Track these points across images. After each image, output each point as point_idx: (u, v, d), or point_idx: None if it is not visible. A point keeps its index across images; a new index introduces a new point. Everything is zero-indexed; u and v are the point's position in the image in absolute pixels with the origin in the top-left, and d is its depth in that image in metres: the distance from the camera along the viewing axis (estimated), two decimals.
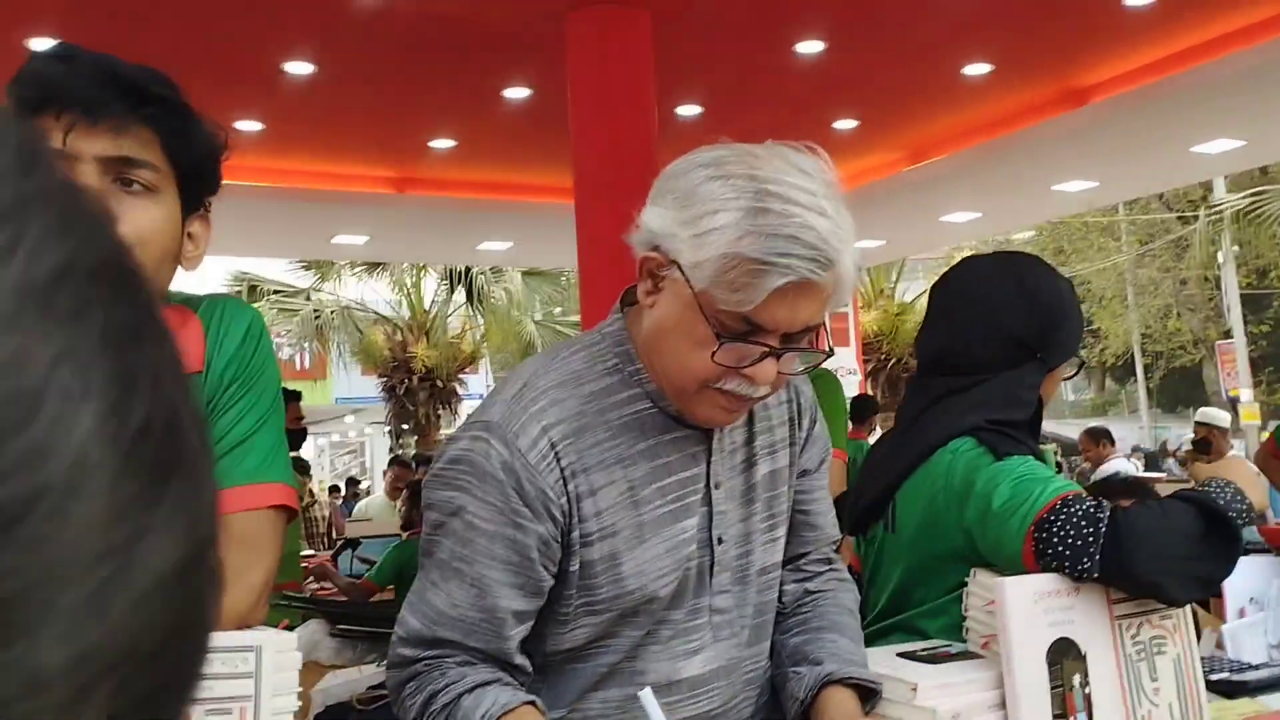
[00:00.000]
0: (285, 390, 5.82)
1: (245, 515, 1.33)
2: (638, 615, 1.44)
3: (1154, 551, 1.65)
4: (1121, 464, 9.68)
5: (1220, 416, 8.97)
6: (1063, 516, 1.68)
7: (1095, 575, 1.66)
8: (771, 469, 1.58)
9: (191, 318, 1.40)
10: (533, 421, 1.40)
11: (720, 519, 1.51)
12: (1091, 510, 1.68)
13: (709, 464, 1.50)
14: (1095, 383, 34.54)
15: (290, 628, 1.30)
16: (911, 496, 1.99)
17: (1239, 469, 1.89)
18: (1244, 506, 1.75)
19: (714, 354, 1.33)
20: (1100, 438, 10.06)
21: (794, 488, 1.64)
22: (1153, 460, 19.59)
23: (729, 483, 1.53)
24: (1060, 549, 1.67)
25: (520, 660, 1.41)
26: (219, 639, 1.17)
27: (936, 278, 2.26)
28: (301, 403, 6.19)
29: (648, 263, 1.39)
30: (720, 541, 1.51)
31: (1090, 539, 1.66)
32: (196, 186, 1.37)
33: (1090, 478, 9.71)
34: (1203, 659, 2.04)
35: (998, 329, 2.00)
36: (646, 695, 1.21)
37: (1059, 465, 7.19)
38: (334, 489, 16.89)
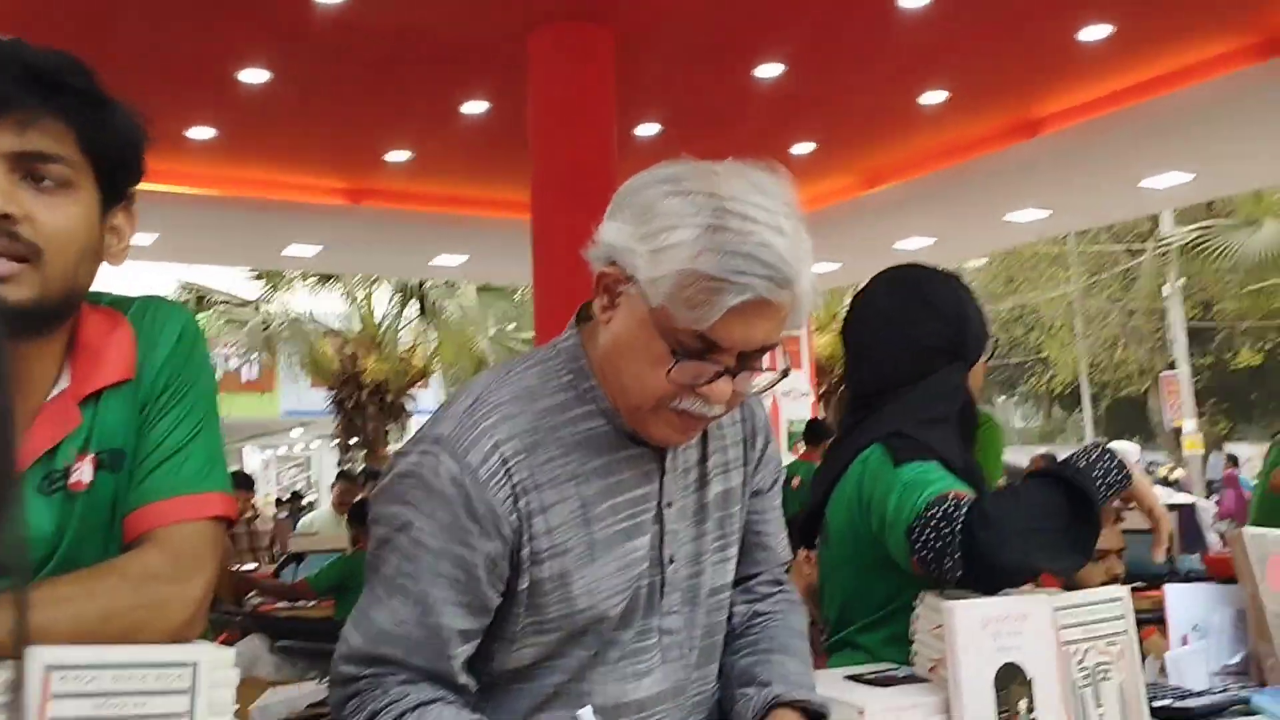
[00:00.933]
0: None
1: (181, 527, 1.28)
2: (586, 635, 1.42)
3: (1013, 537, 1.68)
4: None
5: (1130, 451, 9.17)
6: (926, 520, 1.72)
7: (960, 574, 1.69)
8: (724, 488, 1.57)
9: (122, 322, 1.33)
10: (484, 436, 1.37)
11: (671, 538, 1.49)
12: (950, 510, 1.70)
13: (662, 482, 1.48)
14: (1043, 411, 34.98)
15: (229, 642, 1.26)
16: (836, 509, 2.06)
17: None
18: (1111, 465, 1.78)
19: (669, 372, 1.32)
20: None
21: (746, 508, 1.62)
22: None
23: (681, 502, 1.51)
24: (927, 554, 1.71)
25: (464, 680, 1.39)
26: (154, 653, 1.13)
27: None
28: (247, 415, 6.08)
29: (604, 278, 1.37)
30: (671, 561, 1.49)
31: (949, 538, 1.68)
32: (117, 178, 1.28)
33: None
34: (1147, 686, 2.05)
35: (911, 343, 2.10)
36: (586, 714, 1.18)
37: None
38: (279, 502, 16.69)
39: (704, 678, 1.56)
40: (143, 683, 1.10)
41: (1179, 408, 23.24)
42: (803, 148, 8.44)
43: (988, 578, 1.73)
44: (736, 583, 1.63)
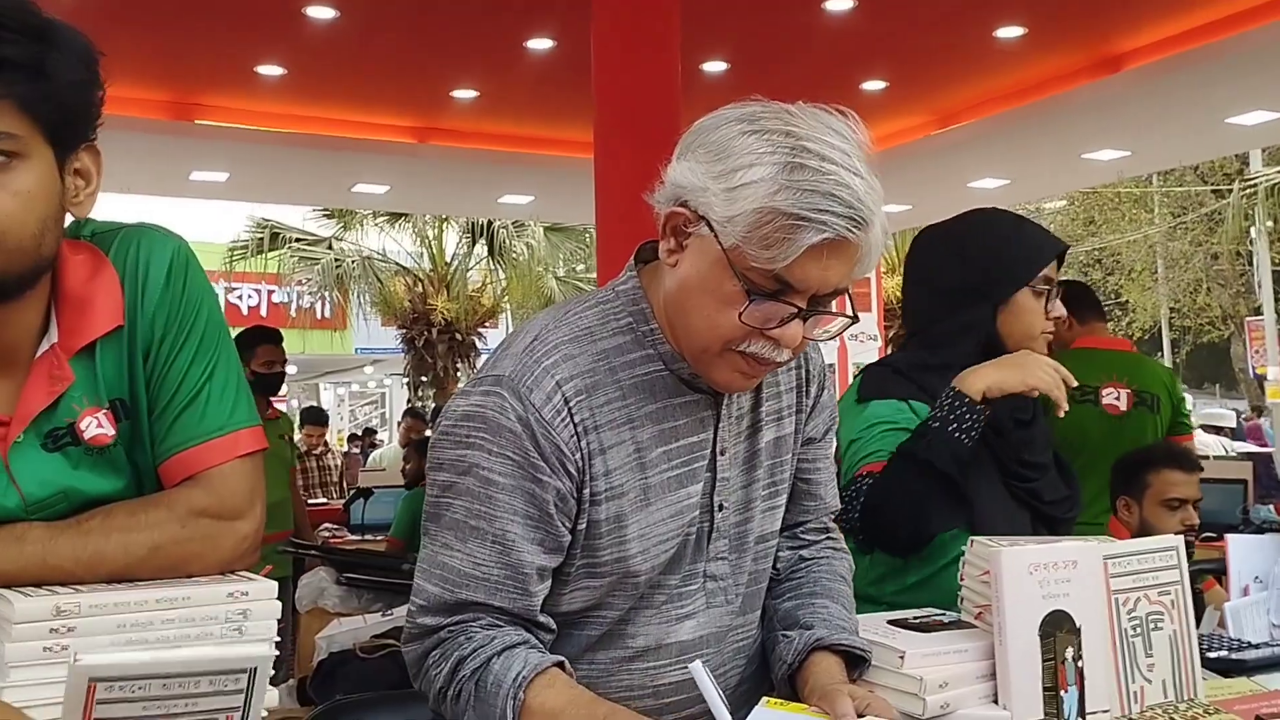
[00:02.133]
0: (264, 330, 5.68)
1: (219, 470, 1.30)
2: (635, 579, 1.42)
3: (900, 518, 1.90)
4: None
5: (1225, 418, 8.99)
6: (844, 498, 1.86)
7: (865, 549, 1.95)
8: (777, 435, 1.56)
9: (104, 265, 1.29)
10: (546, 376, 1.37)
11: (723, 485, 1.49)
12: (854, 495, 1.92)
13: (716, 429, 1.48)
14: None
15: (275, 576, 1.27)
16: None
17: (1017, 358, 2.00)
18: (958, 407, 1.91)
19: (742, 313, 1.31)
20: None
21: (798, 456, 1.61)
22: None
23: (734, 449, 1.50)
24: (846, 527, 1.84)
25: (544, 619, 1.39)
26: (207, 659, 1.08)
27: None
28: (321, 352, 6.10)
29: (673, 219, 1.36)
30: (721, 508, 1.49)
31: (853, 521, 1.92)
32: (68, 129, 1.22)
33: None
34: (1203, 636, 2.02)
35: (935, 288, 2.16)
36: (697, 668, 1.17)
37: None
38: (352, 438, 17.01)
39: (746, 624, 1.56)
40: (195, 687, 1.08)
41: (1263, 354, 22.61)
42: (873, 85, 8.27)
43: (896, 551, 1.99)
44: (783, 529, 1.63)
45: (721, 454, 1.48)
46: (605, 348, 1.42)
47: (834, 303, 1.36)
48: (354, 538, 6.73)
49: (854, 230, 1.27)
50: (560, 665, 1.32)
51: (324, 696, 3.78)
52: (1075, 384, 1.89)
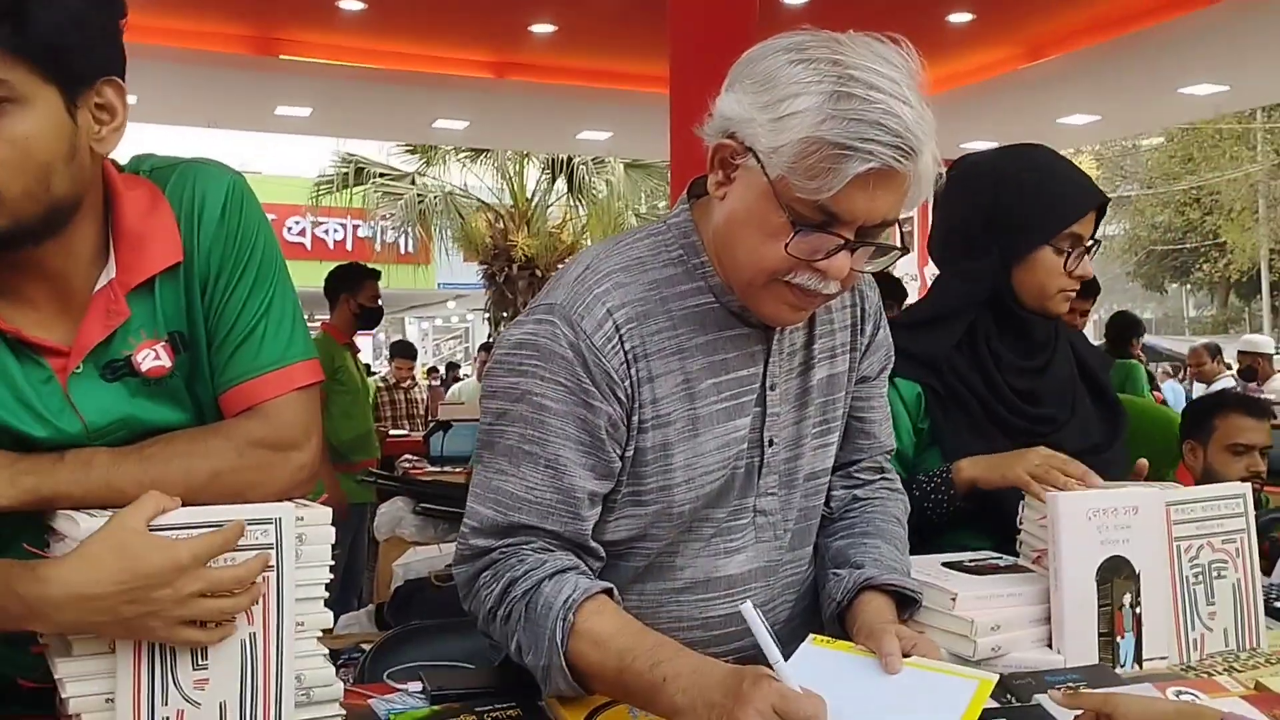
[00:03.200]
0: (369, 267, 5.81)
1: (275, 402, 1.33)
2: (680, 508, 1.43)
3: None
4: (1230, 384, 9.38)
5: (1263, 343, 8.71)
6: None
7: None
8: (830, 373, 1.55)
9: (160, 201, 1.30)
10: (597, 303, 1.38)
11: (773, 421, 1.49)
12: None
13: (767, 364, 1.48)
14: (1218, 298, 33.27)
15: (358, 502, 1.31)
16: None
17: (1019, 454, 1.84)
18: (941, 496, 1.87)
19: (788, 244, 1.30)
20: (1213, 354, 9.78)
21: (851, 394, 1.60)
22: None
23: (784, 385, 1.50)
24: None
25: (594, 545, 1.41)
26: (242, 511, 1.19)
27: None
28: (405, 287, 6.25)
29: (720, 150, 1.35)
30: (771, 444, 1.49)
31: None
32: (72, 65, 1.18)
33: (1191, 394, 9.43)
34: (1272, 586, 1.97)
35: (948, 226, 2.07)
36: (748, 609, 1.18)
37: (1151, 378, 7.04)
38: (432, 370, 17.27)
39: (797, 560, 1.57)
40: None
41: None
42: (960, 17, 8.03)
43: None
44: (838, 468, 1.63)
45: (771, 389, 1.48)
46: (656, 278, 1.43)
47: (883, 234, 1.34)
48: (433, 469, 6.86)
49: (902, 160, 1.25)
50: (609, 593, 1.34)
51: (400, 622, 3.89)
52: (1079, 473, 1.70)
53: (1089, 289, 3.10)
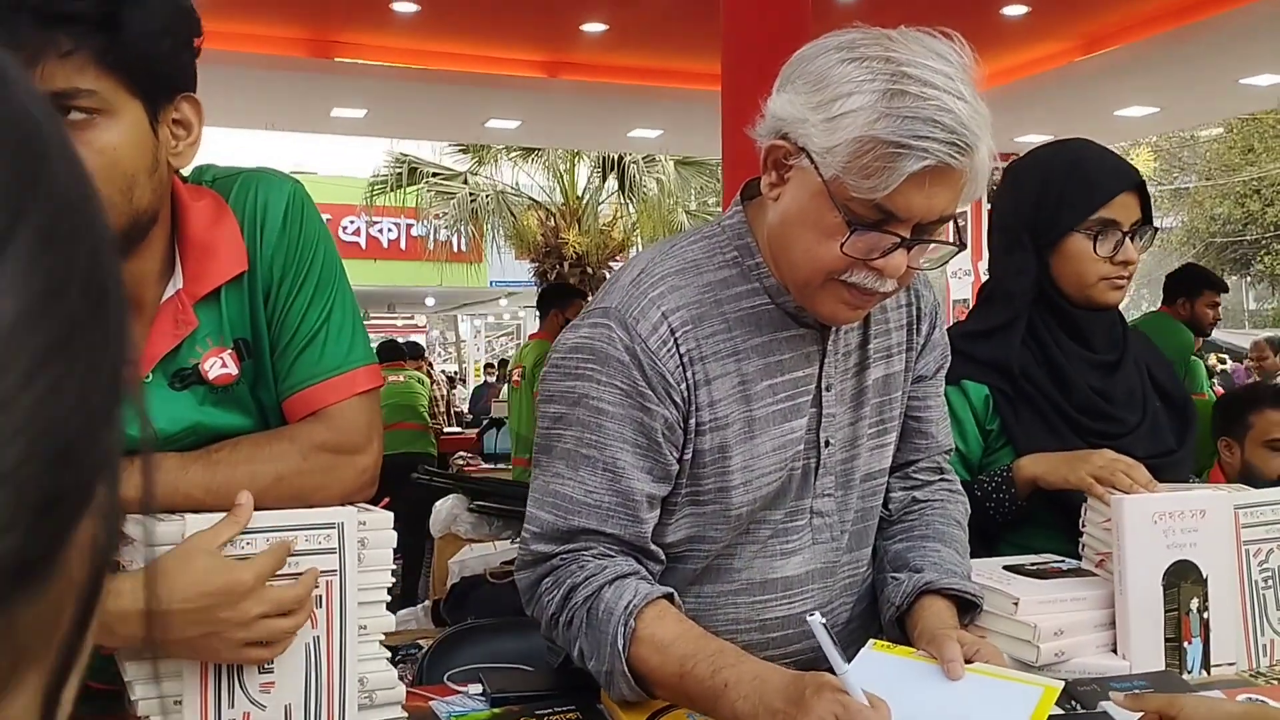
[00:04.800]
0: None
1: (338, 407, 1.35)
2: (737, 510, 1.43)
3: None
4: None
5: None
6: None
7: None
8: (885, 373, 1.54)
9: (225, 211, 1.33)
10: (652, 307, 1.38)
11: (829, 421, 1.48)
12: None
13: (822, 365, 1.47)
14: (1279, 291, 32.55)
15: (391, 507, 1.32)
16: None
17: (1085, 455, 1.82)
18: (999, 491, 1.86)
19: (844, 244, 1.29)
20: (1276, 348, 9.59)
21: (908, 394, 1.59)
22: None
23: (840, 385, 1.49)
24: None
25: (654, 548, 1.41)
26: (304, 516, 1.20)
27: None
28: (459, 285, 6.48)
29: (774, 152, 1.35)
30: (827, 444, 1.48)
31: None
32: (157, 80, 1.22)
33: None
34: None
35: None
36: (815, 621, 1.18)
37: (1209, 370, 6.80)
38: (488, 367, 17.40)
39: (855, 561, 1.56)
40: (294, 544, 1.18)
41: None
42: (1014, 10, 7.92)
43: None
44: (896, 469, 1.61)
45: (827, 390, 1.47)
46: (711, 280, 1.42)
47: (940, 230, 1.33)
48: (487, 466, 6.92)
49: (957, 156, 1.24)
50: (669, 598, 1.34)
51: (456, 619, 3.91)
52: (1144, 480, 1.68)
53: None
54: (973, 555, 1.61)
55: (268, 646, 1.17)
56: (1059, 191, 1.94)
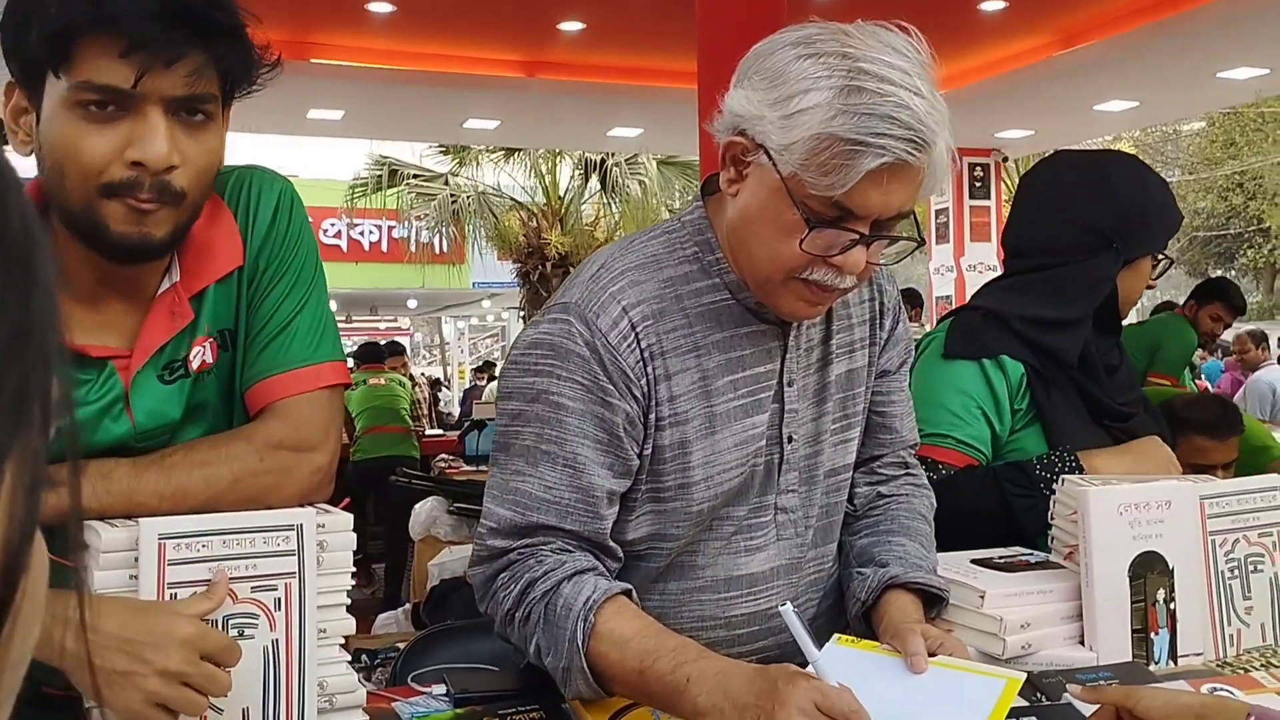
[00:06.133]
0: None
1: (298, 399, 1.34)
2: (699, 506, 1.42)
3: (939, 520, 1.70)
4: (1276, 371, 9.23)
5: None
6: None
7: None
8: (848, 369, 1.54)
9: (221, 208, 1.36)
10: (612, 301, 1.37)
11: (791, 417, 1.48)
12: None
13: (784, 361, 1.46)
14: (1262, 285, 32.74)
15: (350, 508, 1.31)
16: None
17: (1152, 449, 1.95)
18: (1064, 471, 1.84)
19: (802, 241, 1.29)
20: (1258, 341, 9.64)
21: (871, 389, 1.59)
22: None
23: (802, 381, 1.49)
24: None
25: (612, 545, 1.40)
26: (260, 518, 1.19)
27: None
28: (441, 287, 6.34)
29: (731, 148, 1.34)
30: (790, 440, 1.48)
31: None
32: (241, 89, 1.31)
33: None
34: None
35: (1074, 216, 2.03)
36: (787, 611, 1.18)
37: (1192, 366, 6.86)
38: (476, 370, 17.38)
39: (820, 557, 1.55)
40: (251, 546, 1.16)
41: None
42: (992, 5, 7.94)
43: None
44: (861, 464, 1.61)
45: (789, 385, 1.47)
46: (671, 275, 1.42)
47: (899, 226, 1.33)
48: (469, 468, 6.90)
49: (915, 153, 1.23)
50: (628, 594, 1.33)
51: (436, 621, 3.91)
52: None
53: None
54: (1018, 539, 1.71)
55: (170, 715, 1.10)
56: (1156, 214, 2.04)
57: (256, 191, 1.38)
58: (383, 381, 7.94)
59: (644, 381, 1.37)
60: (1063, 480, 1.70)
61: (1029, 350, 1.97)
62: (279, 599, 1.19)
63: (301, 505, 1.30)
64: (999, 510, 1.85)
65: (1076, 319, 2.00)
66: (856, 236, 1.29)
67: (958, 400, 1.94)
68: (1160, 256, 2.12)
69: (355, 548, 1.28)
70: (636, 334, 1.37)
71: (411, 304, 26.81)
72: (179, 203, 1.23)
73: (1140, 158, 2.18)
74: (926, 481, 1.68)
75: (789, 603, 1.20)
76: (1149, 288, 2.11)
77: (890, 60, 1.25)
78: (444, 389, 14.28)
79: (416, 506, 5.16)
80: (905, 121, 1.22)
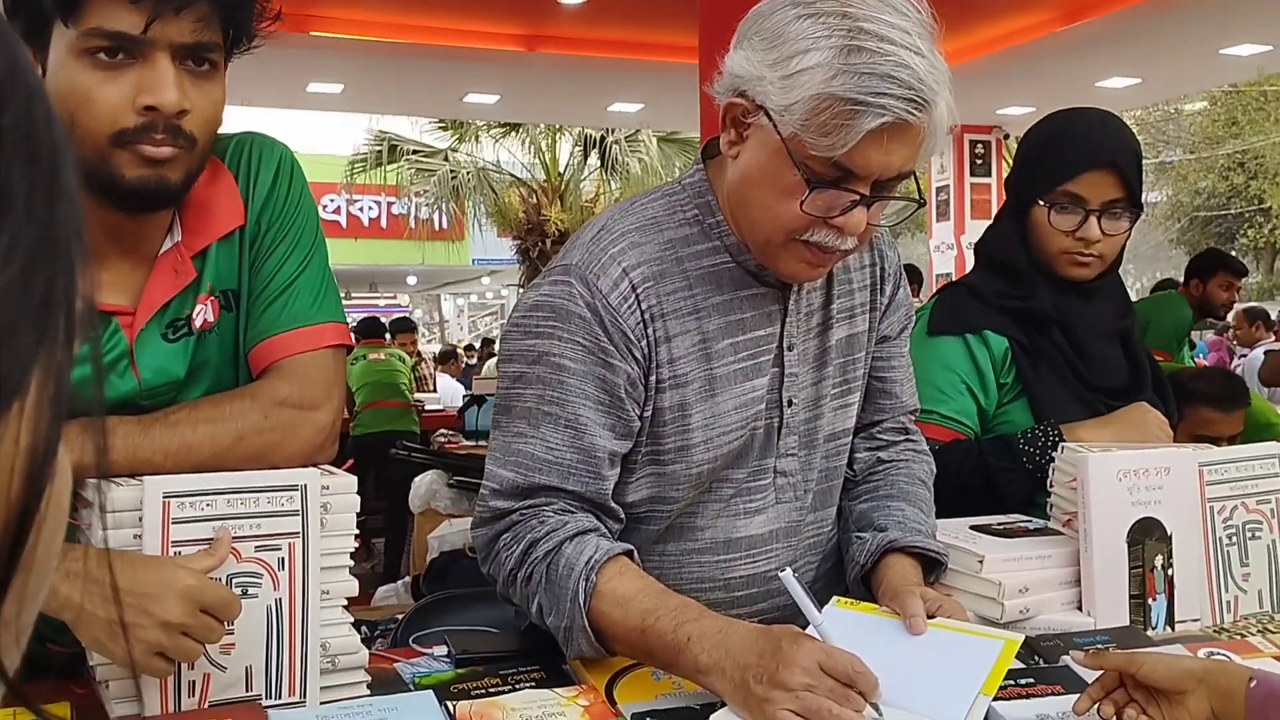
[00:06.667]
0: None
1: (301, 358, 1.34)
2: (699, 468, 1.43)
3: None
4: (1273, 348, 9.23)
5: None
6: None
7: None
8: (849, 334, 1.54)
9: (221, 170, 1.37)
10: (613, 263, 1.37)
11: (791, 381, 1.48)
12: None
13: (784, 324, 1.47)
14: (1263, 264, 32.72)
15: (354, 470, 1.31)
16: None
17: (1139, 417, 1.92)
18: (1046, 445, 1.83)
19: (803, 202, 1.29)
20: (1255, 319, 9.64)
21: (872, 354, 1.59)
22: None
23: (803, 345, 1.49)
24: None
25: (614, 506, 1.40)
26: (264, 478, 1.20)
27: None
28: (440, 263, 6.28)
29: (731, 110, 1.34)
30: (790, 404, 1.48)
31: None
32: (241, 41, 1.32)
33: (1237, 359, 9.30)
34: None
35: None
36: (787, 576, 1.18)
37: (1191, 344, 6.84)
38: (469, 348, 17.35)
39: (819, 520, 1.56)
40: (255, 505, 1.17)
41: None
42: None
43: None
44: (861, 429, 1.61)
45: (789, 349, 1.47)
46: (672, 238, 1.42)
47: (900, 186, 1.33)
48: (468, 443, 6.91)
49: (915, 112, 1.23)
50: (629, 555, 1.33)
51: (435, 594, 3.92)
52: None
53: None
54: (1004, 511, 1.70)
55: (169, 663, 1.13)
56: (1035, 160, 1.97)
57: (257, 155, 1.39)
58: (383, 356, 7.93)
59: (644, 343, 1.37)
60: (1062, 448, 1.71)
61: (1014, 323, 1.96)
62: (282, 559, 1.19)
63: (305, 464, 1.30)
64: (983, 485, 1.85)
65: (1020, 281, 1.98)
66: (857, 197, 1.29)
67: (942, 375, 1.93)
68: (1084, 205, 1.90)
69: (358, 510, 1.28)
70: (637, 295, 1.37)
71: (411, 280, 26.79)
72: (192, 147, 1.25)
73: (1089, 108, 2.03)
74: (926, 447, 1.68)
75: (788, 568, 1.21)
76: (1088, 240, 1.91)
77: (890, 19, 1.25)
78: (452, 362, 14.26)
79: (416, 480, 5.17)
80: (905, 81, 1.22)
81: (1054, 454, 1.82)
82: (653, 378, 1.39)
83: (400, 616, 3.52)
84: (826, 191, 1.28)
